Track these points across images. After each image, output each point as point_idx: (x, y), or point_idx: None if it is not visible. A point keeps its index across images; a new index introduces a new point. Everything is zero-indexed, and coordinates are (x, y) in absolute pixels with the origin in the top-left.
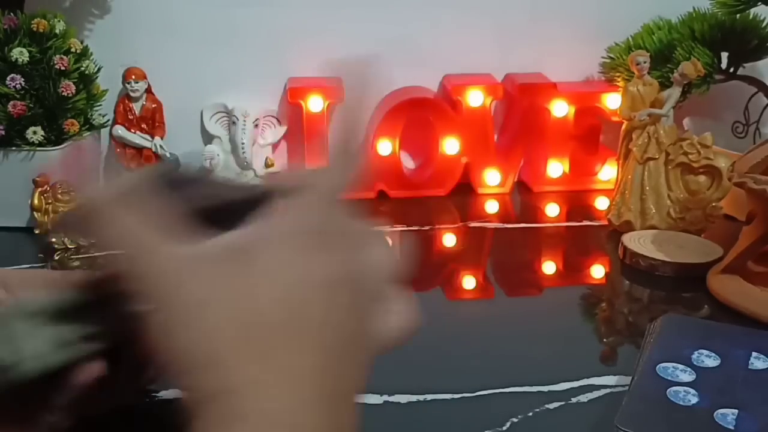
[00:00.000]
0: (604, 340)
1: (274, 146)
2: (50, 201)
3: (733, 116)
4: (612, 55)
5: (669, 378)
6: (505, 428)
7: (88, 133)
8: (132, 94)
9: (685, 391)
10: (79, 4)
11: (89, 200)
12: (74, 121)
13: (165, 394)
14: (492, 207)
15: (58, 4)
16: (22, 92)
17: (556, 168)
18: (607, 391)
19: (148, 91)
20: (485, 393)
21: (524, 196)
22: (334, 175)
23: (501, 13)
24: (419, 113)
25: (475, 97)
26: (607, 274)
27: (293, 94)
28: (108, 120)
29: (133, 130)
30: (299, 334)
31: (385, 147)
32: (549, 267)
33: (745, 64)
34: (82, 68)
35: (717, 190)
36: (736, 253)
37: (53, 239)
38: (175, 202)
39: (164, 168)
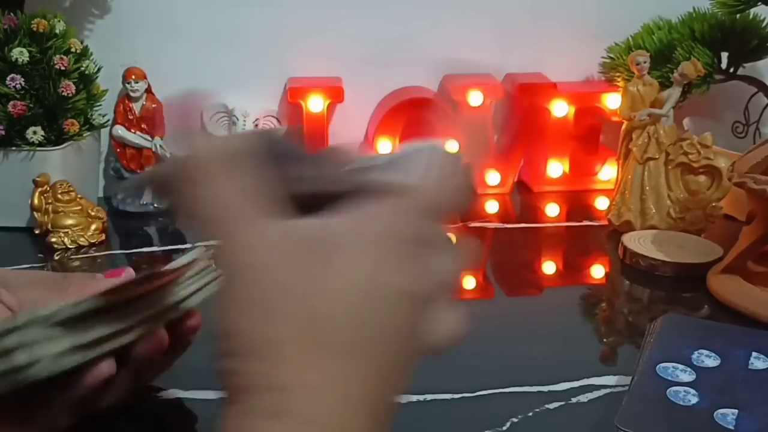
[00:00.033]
0: (604, 340)
1: None
2: (50, 201)
3: (733, 116)
4: (612, 55)
5: (669, 378)
6: (505, 428)
7: (88, 133)
8: (132, 94)
9: (685, 391)
10: (79, 4)
11: (191, 155)
12: (74, 121)
13: (165, 394)
14: (492, 207)
15: (58, 4)
16: (22, 92)
17: (556, 168)
18: (607, 391)
19: (148, 91)
20: (485, 393)
21: (524, 196)
22: (443, 187)
23: (501, 13)
24: (419, 113)
25: (475, 97)
26: (607, 274)
27: (293, 94)
28: (108, 120)
29: (133, 130)
30: (360, 342)
31: (385, 147)
32: (549, 267)
33: (745, 64)
34: (82, 68)
35: (717, 190)
36: (736, 253)
37: (53, 239)
38: (277, 177)
39: (271, 137)
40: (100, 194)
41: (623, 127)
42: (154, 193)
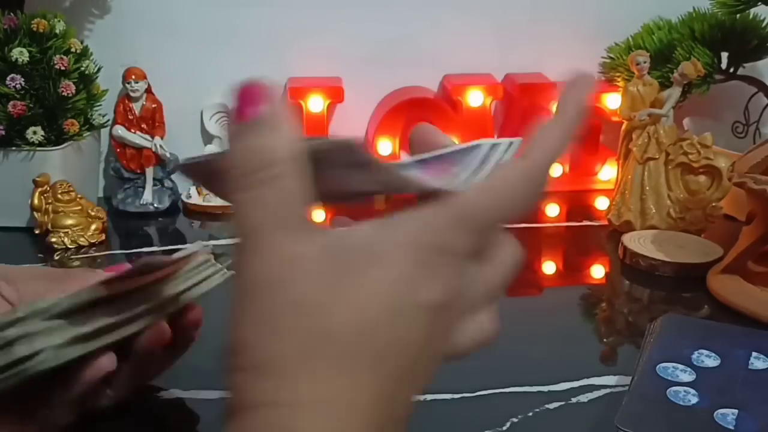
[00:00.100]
0: (604, 340)
1: None
2: (50, 201)
3: (733, 116)
4: (612, 55)
5: (669, 378)
6: (505, 428)
7: (88, 133)
8: (132, 94)
9: (685, 391)
10: (79, 4)
11: (248, 152)
12: (74, 121)
13: (165, 394)
14: None
15: (58, 4)
16: (22, 92)
17: (556, 168)
18: (607, 391)
19: (148, 91)
20: (485, 393)
21: None
22: (492, 195)
23: (501, 13)
24: (419, 113)
25: (475, 97)
26: (607, 274)
27: (293, 94)
28: (108, 120)
29: (133, 130)
30: (371, 357)
31: (385, 147)
32: (549, 267)
33: (745, 64)
34: (82, 68)
35: (717, 190)
36: (736, 253)
37: (53, 239)
38: (330, 183)
39: (344, 144)
40: (100, 194)
41: (623, 127)
42: (197, 182)
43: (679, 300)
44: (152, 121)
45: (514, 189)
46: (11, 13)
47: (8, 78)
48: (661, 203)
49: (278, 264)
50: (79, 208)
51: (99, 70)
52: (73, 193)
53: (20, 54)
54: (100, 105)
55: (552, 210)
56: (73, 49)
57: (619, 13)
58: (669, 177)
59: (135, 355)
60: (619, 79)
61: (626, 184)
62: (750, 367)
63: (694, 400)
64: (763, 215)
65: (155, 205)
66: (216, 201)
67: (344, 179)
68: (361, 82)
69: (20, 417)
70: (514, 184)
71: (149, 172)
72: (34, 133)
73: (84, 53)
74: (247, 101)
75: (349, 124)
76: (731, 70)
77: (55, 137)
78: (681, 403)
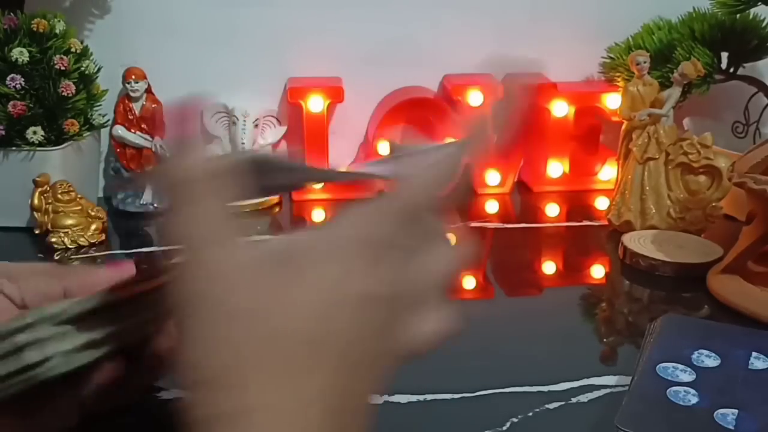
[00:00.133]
0: (604, 340)
1: (274, 146)
2: (50, 201)
3: (733, 116)
4: (612, 55)
5: (669, 378)
6: (505, 428)
7: (88, 133)
8: (132, 94)
9: (685, 391)
10: (79, 4)
11: (178, 169)
12: (74, 121)
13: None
14: (492, 207)
15: (58, 4)
16: (22, 92)
17: (556, 168)
18: (607, 391)
19: (148, 91)
20: (485, 393)
21: (524, 196)
22: (428, 183)
23: (501, 13)
24: (419, 113)
25: (475, 97)
26: (607, 274)
27: (293, 94)
28: (108, 120)
29: (133, 130)
30: (322, 354)
31: (385, 147)
32: (549, 267)
33: (745, 64)
34: (82, 68)
35: (717, 190)
36: (736, 253)
37: (53, 239)
38: (257, 187)
39: (258, 156)
40: (100, 194)
41: (623, 127)
42: (155, 193)
43: (679, 300)
44: (152, 121)
45: (444, 177)
46: (11, 13)
47: (8, 78)
48: (661, 203)
49: (208, 279)
50: (79, 208)
51: (99, 70)
52: (73, 193)
53: (20, 54)
54: (100, 105)
55: (552, 210)
56: (73, 49)
57: (619, 13)
58: (669, 177)
59: (148, 359)
60: (619, 79)
61: (626, 184)
62: (750, 367)
63: (694, 400)
64: (763, 215)
65: (155, 205)
66: None
67: (282, 178)
68: (361, 82)
69: (25, 418)
70: (447, 173)
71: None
72: (34, 133)
73: (84, 53)
74: (176, 122)
75: (349, 124)
76: (731, 70)
77: (55, 137)
78: (681, 403)
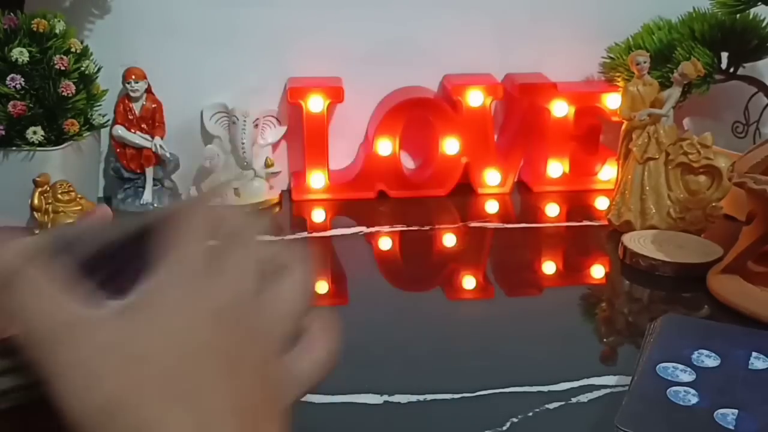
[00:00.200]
0: (604, 340)
1: (274, 146)
2: (50, 201)
3: (733, 116)
4: (612, 55)
5: (669, 378)
6: (505, 428)
7: (88, 133)
8: (132, 94)
9: (685, 391)
10: (79, 4)
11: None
12: (74, 121)
13: None
14: (492, 207)
15: (58, 4)
16: (22, 92)
17: (556, 168)
18: (607, 391)
19: (148, 91)
20: (485, 393)
21: (524, 196)
22: (202, 211)
23: (501, 13)
24: (419, 113)
25: (475, 97)
26: (607, 274)
27: (293, 94)
28: (108, 120)
29: (133, 130)
30: (199, 365)
31: (385, 147)
32: (549, 267)
33: (745, 64)
34: (82, 68)
35: (717, 190)
36: (736, 253)
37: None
38: (67, 262)
39: (57, 232)
40: (100, 194)
41: (623, 127)
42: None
43: (679, 300)
44: (152, 121)
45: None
46: (11, 13)
47: (8, 78)
48: (661, 203)
49: (64, 333)
50: (79, 208)
51: (99, 70)
52: (73, 193)
53: (20, 54)
54: (100, 105)
55: (552, 210)
56: (73, 49)
57: (619, 13)
58: (669, 177)
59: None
60: (619, 79)
61: (626, 184)
62: (750, 367)
63: (694, 400)
64: (763, 215)
65: (155, 205)
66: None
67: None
68: (361, 82)
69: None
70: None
71: (149, 172)
72: (34, 133)
73: (84, 53)
74: None
75: (349, 124)
76: (731, 70)
77: (55, 137)
78: (681, 403)
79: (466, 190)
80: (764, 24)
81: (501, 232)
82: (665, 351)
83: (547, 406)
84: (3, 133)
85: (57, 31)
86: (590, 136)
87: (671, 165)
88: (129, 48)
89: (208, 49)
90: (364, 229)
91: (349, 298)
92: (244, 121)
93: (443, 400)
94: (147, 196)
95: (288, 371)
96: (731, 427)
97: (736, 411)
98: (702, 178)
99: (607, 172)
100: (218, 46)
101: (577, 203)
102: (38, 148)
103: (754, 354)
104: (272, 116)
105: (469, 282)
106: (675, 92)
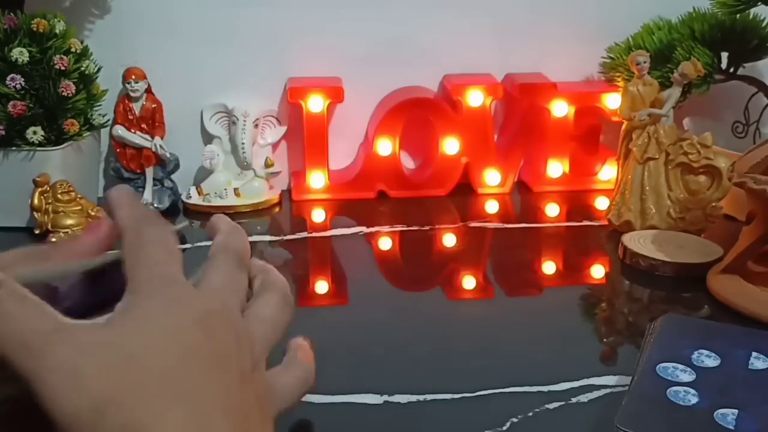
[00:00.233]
0: (604, 340)
1: (274, 146)
2: (50, 201)
3: (733, 116)
4: (612, 55)
5: (669, 378)
6: (505, 428)
7: (88, 133)
8: (132, 94)
9: (685, 391)
10: (79, 4)
11: None
12: (74, 121)
13: None
14: (492, 207)
15: (58, 4)
16: (22, 92)
17: (556, 168)
18: (607, 391)
19: (148, 91)
20: (485, 393)
21: (524, 196)
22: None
23: (501, 13)
24: (419, 113)
25: (475, 97)
26: (607, 274)
27: (293, 94)
28: (108, 120)
29: (133, 130)
30: (185, 366)
31: (385, 147)
32: (549, 267)
33: (745, 64)
34: (82, 68)
35: (717, 190)
36: (736, 253)
37: (53, 239)
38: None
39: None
40: (100, 194)
41: (623, 127)
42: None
43: (679, 300)
44: (152, 121)
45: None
46: (11, 13)
47: (8, 78)
48: (661, 203)
49: (42, 338)
50: (79, 208)
51: (99, 70)
52: (73, 193)
53: (20, 54)
54: (100, 105)
55: (552, 210)
56: (73, 49)
57: (619, 13)
58: (669, 177)
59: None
60: (619, 79)
61: (626, 184)
62: (750, 367)
63: (694, 400)
64: (763, 215)
65: (155, 205)
66: (216, 201)
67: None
68: (361, 82)
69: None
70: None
71: (149, 172)
72: (34, 133)
73: (84, 53)
74: None
75: (349, 124)
76: (731, 70)
77: (55, 137)
78: (681, 403)
79: (466, 190)
80: (764, 24)
81: (501, 232)
82: (665, 351)
83: (547, 406)
84: (3, 133)
85: (57, 31)
86: (590, 136)
87: (671, 165)
88: (129, 48)
89: (208, 49)
90: (364, 229)
91: (349, 298)
92: (244, 121)
93: (443, 400)
94: (147, 196)
95: (272, 385)
96: (731, 427)
97: (736, 411)
98: (702, 178)
99: (607, 172)
100: (218, 46)
101: (577, 203)
102: (38, 148)
103: (754, 354)
104: (272, 116)
105: (469, 282)
106: (675, 92)
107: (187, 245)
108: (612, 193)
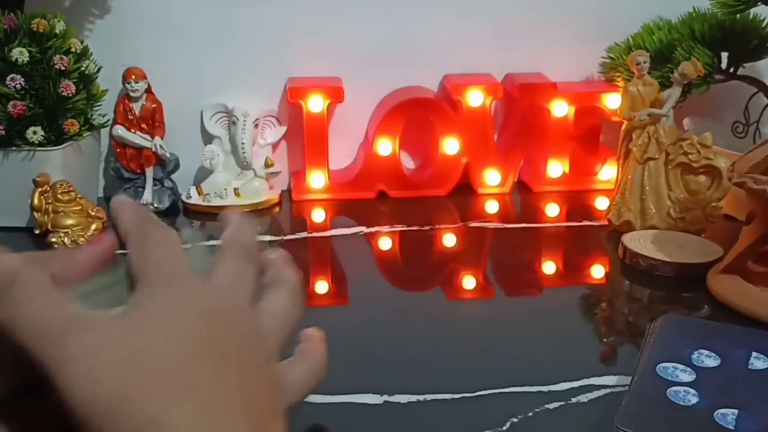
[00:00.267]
0: (604, 340)
1: (274, 146)
2: (50, 201)
3: (733, 116)
4: (612, 55)
5: (669, 378)
6: (505, 428)
7: (88, 133)
8: (132, 94)
9: (685, 391)
10: (79, 4)
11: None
12: (74, 121)
13: None
14: (492, 207)
15: (58, 4)
16: (22, 92)
17: (556, 168)
18: (607, 391)
19: (148, 91)
20: (485, 393)
21: (524, 196)
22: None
23: (501, 13)
24: (419, 113)
25: (475, 97)
26: (607, 274)
27: (293, 94)
28: (108, 120)
29: (133, 130)
30: (200, 362)
31: (385, 147)
32: (549, 267)
33: (745, 64)
34: (82, 68)
35: (717, 190)
36: (736, 253)
37: (53, 239)
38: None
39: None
40: (100, 194)
41: (623, 127)
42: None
43: (679, 300)
44: (152, 121)
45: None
46: (11, 13)
47: (8, 78)
48: (661, 203)
49: (62, 325)
50: (79, 208)
51: (99, 70)
52: (73, 193)
53: (20, 54)
54: (100, 105)
55: (552, 210)
56: (73, 49)
57: (619, 13)
58: (669, 177)
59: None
60: (619, 79)
61: (626, 184)
62: (750, 367)
63: (694, 400)
64: (763, 215)
65: (155, 205)
66: (216, 201)
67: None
68: (361, 82)
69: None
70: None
71: (149, 172)
72: (34, 133)
73: (84, 53)
74: None
75: (349, 124)
76: (731, 70)
77: (55, 137)
78: (681, 403)
79: (466, 190)
80: (764, 24)
81: (501, 232)
82: (665, 351)
83: (547, 406)
84: (3, 133)
85: (57, 31)
86: (590, 136)
87: (671, 165)
88: (129, 48)
89: (208, 49)
90: (364, 229)
91: (349, 298)
92: (244, 121)
93: (443, 400)
94: (147, 196)
95: (283, 378)
96: (731, 427)
97: (736, 411)
98: (702, 178)
99: (607, 172)
100: (218, 46)
101: (577, 203)
102: (38, 148)
103: (754, 354)
104: (272, 116)
105: (469, 282)
106: (675, 92)
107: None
108: (612, 193)
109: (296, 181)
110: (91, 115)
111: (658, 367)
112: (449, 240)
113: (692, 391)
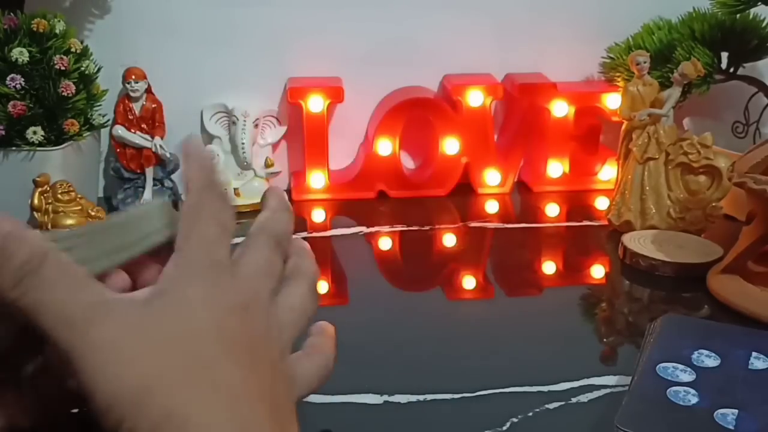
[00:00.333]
0: (604, 340)
1: (274, 146)
2: (50, 201)
3: (733, 116)
4: (612, 55)
5: (669, 378)
6: (505, 428)
7: (88, 133)
8: (132, 94)
9: (685, 391)
10: (79, 4)
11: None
12: (74, 121)
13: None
14: (492, 207)
15: (58, 4)
16: (22, 92)
17: (556, 168)
18: (607, 391)
19: (148, 91)
20: (485, 393)
21: (524, 196)
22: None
23: (501, 13)
24: (419, 113)
25: (475, 97)
26: (607, 274)
27: (293, 94)
28: (108, 120)
29: (133, 130)
30: (223, 354)
31: (385, 147)
32: (549, 267)
33: (745, 64)
34: (82, 68)
35: (717, 190)
36: (736, 253)
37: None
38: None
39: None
40: (100, 194)
41: (623, 127)
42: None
43: (679, 300)
44: (152, 121)
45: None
46: (11, 13)
47: (8, 78)
48: (661, 203)
49: (87, 313)
50: (79, 208)
51: (99, 70)
52: (73, 193)
53: (20, 54)
54: (100, 105)
55: (552, 210)
56: (73, 49)
57: (619, 13)
58: (669, 177)
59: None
60: (619, 79)
61: (626, 184)
62: (750, 367)
63: (694, 400)
64: (763, 215)
65: None
66: None
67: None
68: (361, 82)
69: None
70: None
71: (149, 172)
72: (34, 133)
73: (84, 53)
74: None
75: (349, 124)
76: (731, 70)
77: (55, 137)
78: (681, 403)
79: (466, 190)
80: (764, 24)
81: (501, 232)
82: (665, 351)
83: (547, 406)
84: (3, 133)
85: (57, 31)
86: (590, 136)
87: (671, 165)
88: (129, 48)
89: (208, 49)
90: (364, 229)
91: (349, 298)
92: (244, 121)
93: (443, 400)
94: (147, 196)
95: (294, 372)
96: (731, 427)
97: (736, 411)
98: (702, 178)
99: (607, 172)
100: (218, 46)
101: (577, 203)
102: (38, 148)
103: (754, 354)
104: (272, 116)
105: (469, 282)
106: (675, 92)
107: None
108: (612, 193)
109: (296, 181)
110: (91, 115)
111: (658, 367)
112: (449, 240)
113: (692, 391)
